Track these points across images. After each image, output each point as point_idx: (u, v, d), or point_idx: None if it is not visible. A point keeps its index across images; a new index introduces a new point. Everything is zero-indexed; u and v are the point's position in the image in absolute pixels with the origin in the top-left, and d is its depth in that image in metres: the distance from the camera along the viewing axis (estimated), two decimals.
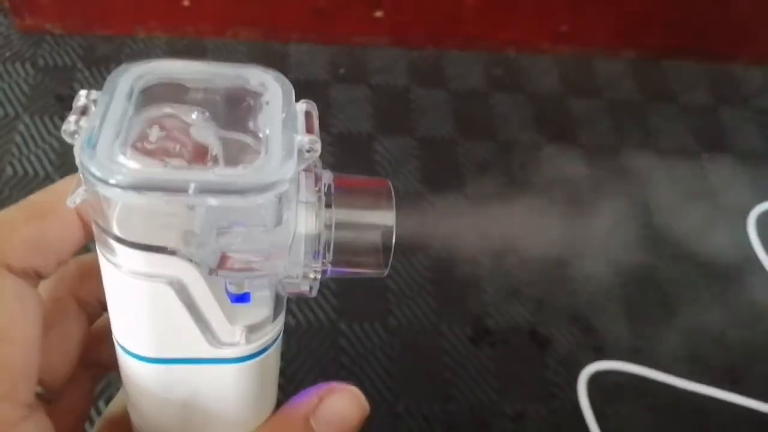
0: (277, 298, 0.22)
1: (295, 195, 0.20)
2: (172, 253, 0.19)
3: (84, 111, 0.18)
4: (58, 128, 0.57)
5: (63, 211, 0.20)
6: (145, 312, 0.20)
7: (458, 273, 0.54)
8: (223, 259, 0.19)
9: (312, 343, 0.50)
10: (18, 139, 0.56)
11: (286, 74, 0.21)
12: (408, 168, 0.59)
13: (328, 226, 0.21)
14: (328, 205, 0.21)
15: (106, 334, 0.23)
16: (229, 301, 0.21)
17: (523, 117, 0.64)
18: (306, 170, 0.21)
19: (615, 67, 0.69)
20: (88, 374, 0.26)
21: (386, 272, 0.22)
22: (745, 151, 0.65)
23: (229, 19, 0.64)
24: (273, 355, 0.23)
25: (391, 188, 0.22)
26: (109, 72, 0.60)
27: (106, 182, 0.17)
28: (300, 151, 0.19)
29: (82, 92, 0.19)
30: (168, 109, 0.19)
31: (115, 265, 0.19)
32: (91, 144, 0.17)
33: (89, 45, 0.63)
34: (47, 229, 0.21)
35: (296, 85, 0.20)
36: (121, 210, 0.18)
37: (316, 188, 0.21)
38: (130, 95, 0.19)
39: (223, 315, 0.20)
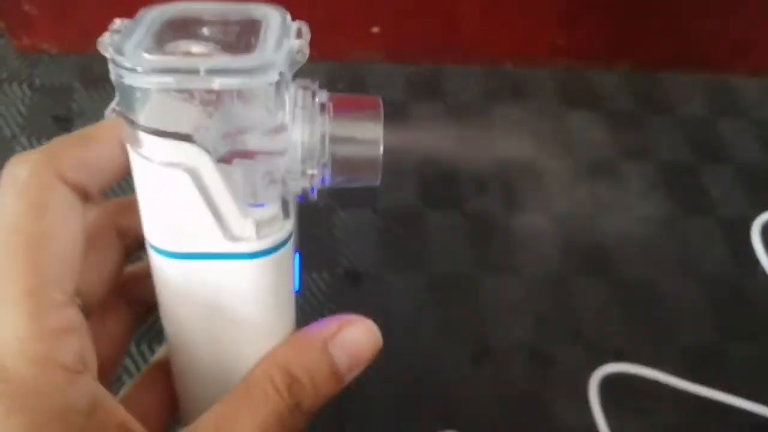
0: (284, 203, 0.24)
1: (292, 100, 0.24)
2: (188, 139, 0.22)
3: (117, 31, 0.22)
4: None
5: (110, 139, 0.24)
6: (167, 201, 0.23)
7: (458, 291, 0.54)
8: (230, 149, 0.22)
9: None
10: None
11: None
12: (406, 183, 0.59)
13: (323, 136, 0.24)
14: (323, 117, 0.24)
15: (145, 272, 0.27)
16: (241, 198, 0.23)
17: (521, 131, 0.64)
18: (304, 88, 0.25)
19: (611, 80, 0.69)
20: (129, 309, 0.30)
21: (378, 181, 0.25)
22: (745, 163, 0.65)
23: None
24: (285, 258, 0.25)
25: (381, 104, 0.25)
26: (106, 91, 0.60)
27: (133, 70, 0.21)
28: (290, 51, 0.22)
29: (117, 20, 0.23)
30: (184, 37, 0.23)
31: (142, 156, 0.23)
32: (120, 47, 0.22)
33: (86, 63, 0.62)
34: (96, 151, 0.24)
35: None
36: (148, 106, 0.22)
37: (314, 102, 0.24)
38: (153, 24, 0.23)
39: (235, 206, 0.23)
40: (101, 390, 0.23)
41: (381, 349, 0.28)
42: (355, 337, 0.27)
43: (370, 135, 0.25)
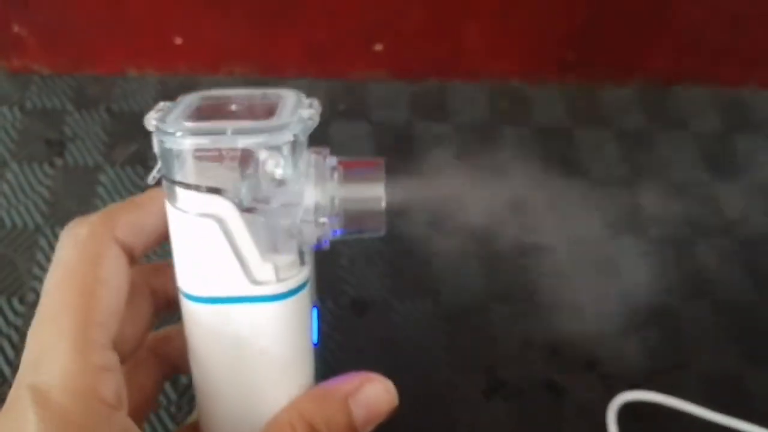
0: (301, 253, 0.28)
1: (305, 162, 0.27)
2: (218, 192, 0.26)
3: (160, 110, 0.27)
4: (48, 176, 0.55)
5: (155, 206, 0.28)
6: (198, 248, 0.27)
7: (468, 320, 0.52)
8: (254, 200, 0.26)
9: None
10: (6, 188, 0.54)
11: None
12: (413, 208, 0.57)
13: (332, 195, 0.28)
14: (332, 179, 0.28)
15: (174, 335, 0.32)
16: (262, 245, 0.26)
17: (531, 150, 0.62)
18: (316, 153, 0.28)
19: (623, 95, 0.67)
20: (157, 366, 0.32)
21: (383, 232, 0.29)
22: (762, 179, 0.63)
23: (223, 56, 0.62)
24: (303, 301, 0.28)
25: (383, 165, 0.29)
26: (99, 113, 0.58)
27: (173, 135, 0.25)
28: (302, 118, 0.26)
29: (161, 102, 0.27)
30: (215, 115, 0.28)
31: (178, 209, 0.26)
32: (163, 119, 0.26)
33: (79, 86, 0.60)
34: (143, 216, 0.28)
35: None
36: (185, 166, 0.26)
37: (324, 164, 0.28)
38: (190, 104, 0.27)
39: (257, 252, 0.26)
40: (134, 426, 0.25)
41: (396, 407, 0.29)
42: (374, 394, 0.29)
43: (374, 193, 0.28)
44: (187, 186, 0.26)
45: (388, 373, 0.50)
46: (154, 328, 0.32)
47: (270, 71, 0.62)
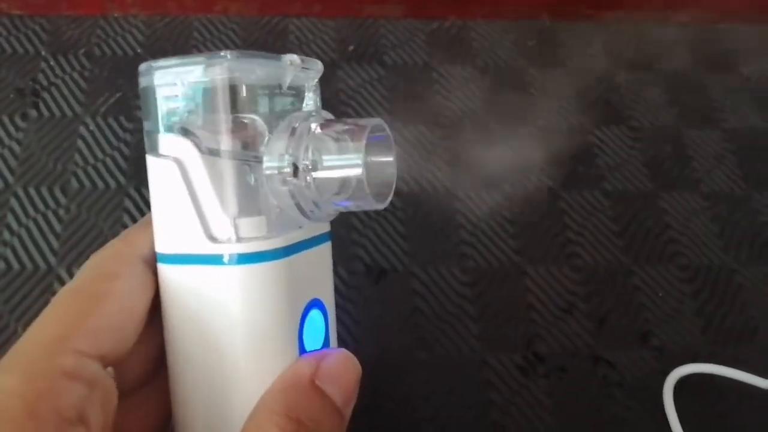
0: (271, 220, 0.25)
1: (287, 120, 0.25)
2: (183, 133, 0.24)
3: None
4: (19, 129, 0.48)
5: None
6: (158, 195, 0.25)
7: (501, 287, 0.46)
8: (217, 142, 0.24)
9: None
10: None
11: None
12: (433, 161, 0.51)
13: (314, 161, 0.24)
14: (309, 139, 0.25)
15: None
16: (227, 201, 0.24)
17: (566, 95, 0.55)
18: (304, 118, 0.25)
19: (666, 34, 0.60)
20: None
21: (385, 205, 0.25)
22: None
23: None
24: (270, 276, 0.24)
25: (369, 129, 0.24)
26: (79, 60, 0.50)
27: (152, 68, 0.25)
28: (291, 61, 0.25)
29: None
30: None
31: (149, 155, 0.25)
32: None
33: (54, 28, 0.53)
34: None
35: None
36: (153, 107, 0.25)
37: (310, 124, 0.25)
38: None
39: (218, 202, 0.24)
40: None
41: (361, 373, 0.26)
42: (334, 366, 0.26)
43: (352, 160, 0.24)
44: (150, 127, 0.25)
45: (410, 349, 0.44)
46: None
47: (270, 9, 0.55)
